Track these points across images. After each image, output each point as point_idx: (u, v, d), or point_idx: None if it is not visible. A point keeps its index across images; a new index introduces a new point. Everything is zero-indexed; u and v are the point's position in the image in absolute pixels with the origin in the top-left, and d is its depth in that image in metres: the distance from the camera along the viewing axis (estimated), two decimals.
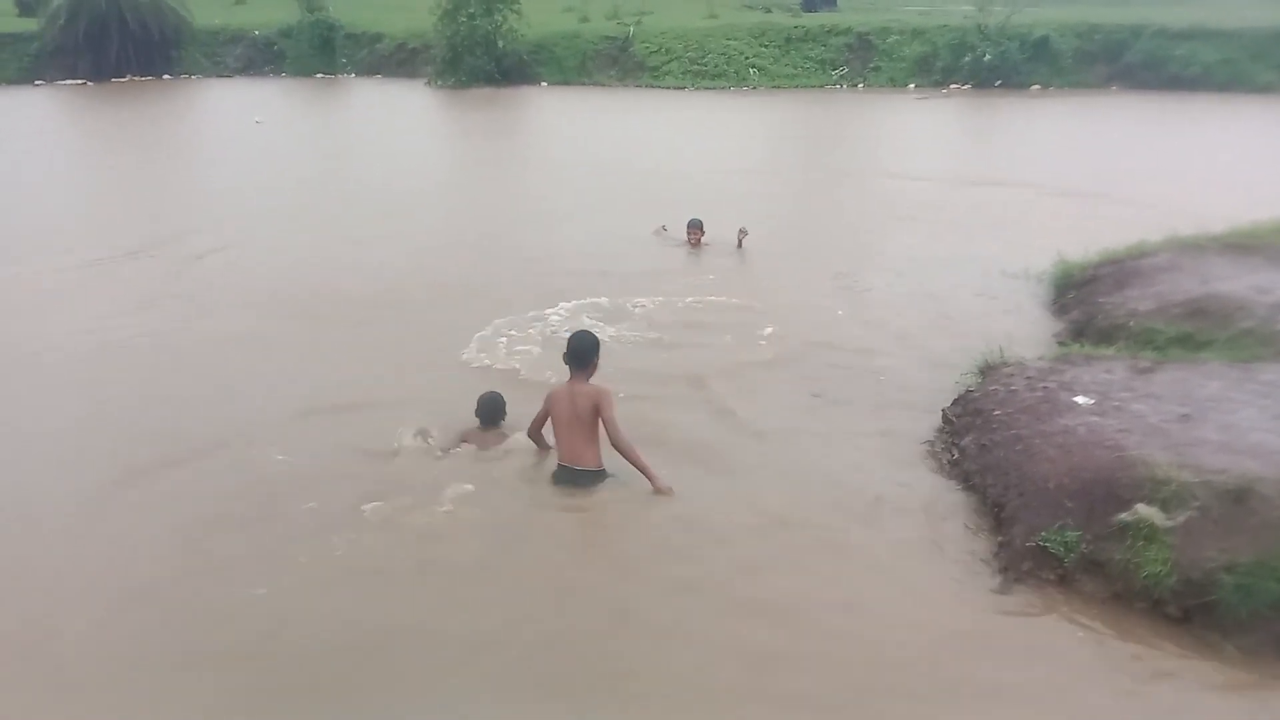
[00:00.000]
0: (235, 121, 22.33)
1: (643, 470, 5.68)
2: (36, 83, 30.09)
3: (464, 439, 6.37)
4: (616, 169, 16.37)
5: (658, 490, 5.66)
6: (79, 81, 30.05)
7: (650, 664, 4.43)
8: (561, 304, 9.03)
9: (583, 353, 5.81)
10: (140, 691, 4.34)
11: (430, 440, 6.37)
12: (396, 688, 4.26)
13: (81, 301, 9.55)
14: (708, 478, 5.97)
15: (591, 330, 5.93)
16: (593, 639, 4.64)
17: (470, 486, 5.81)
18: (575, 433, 5.73)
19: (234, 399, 7.25)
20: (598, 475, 5.79)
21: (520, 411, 6.33)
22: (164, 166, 17.35)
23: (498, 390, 6.55)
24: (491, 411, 6.41)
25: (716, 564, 5.18)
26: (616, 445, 5.68)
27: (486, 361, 7.72)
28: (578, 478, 5.78)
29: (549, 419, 5.95)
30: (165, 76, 31.13)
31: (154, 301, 9.47)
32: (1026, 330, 8.19)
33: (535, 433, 6.13)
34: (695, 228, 11.05)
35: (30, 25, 31.76)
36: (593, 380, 5.86)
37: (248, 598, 4.89)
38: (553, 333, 8.23)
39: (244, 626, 4.70)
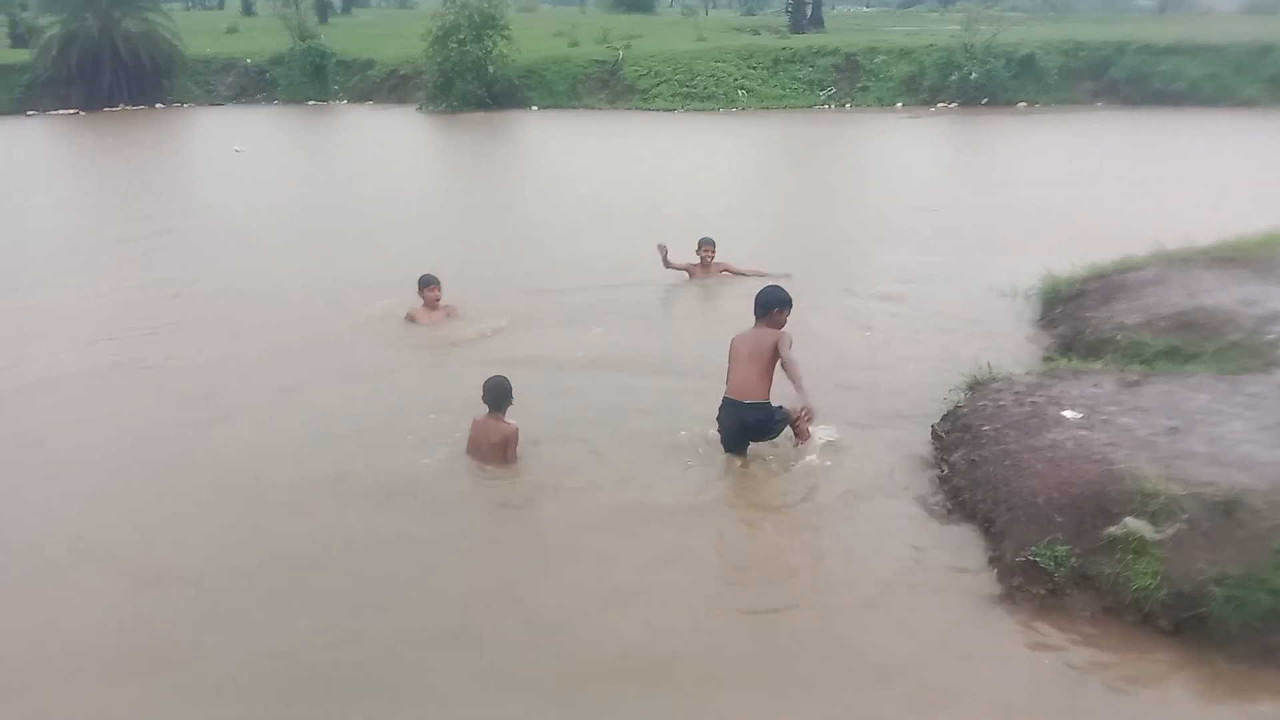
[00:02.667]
0: (224, 150, 22.36)
1: (800, 391, 6.07)
2: (29, 113, 30.19)
3: (474, 423, 6.45)
4: (608, 191, 16.46)
5: (803, 407, 6.08)
6: (71, 111, 30.17)
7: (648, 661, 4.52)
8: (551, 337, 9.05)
9: (767, 303, 6.35)
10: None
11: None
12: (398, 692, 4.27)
13: (65, 330, 9.54)
14: (698, 492, 6.00)
15: (780, 285, 6.48)
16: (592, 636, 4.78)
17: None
18: (751, 368, 6.19)
19: (222, 427, 7.25)
20: (764, 408, 6.18)
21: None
22: (151, 194, 17.33)
23: (504, 375, 6.51)
24: (498, 396, 6.40)
25: (709, 570, 5.22)
26: (789, 368, 6.11)
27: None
28: (745, 411, 6.17)
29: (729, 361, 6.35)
30: (158, 105, 31.27)
31: (133, 330, 9.42)
32: (1014, 345, 8.22)
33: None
34: (707, 245, 10.48)
35: (23, 56, 31.93)
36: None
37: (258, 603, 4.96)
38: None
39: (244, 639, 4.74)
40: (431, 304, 9.23)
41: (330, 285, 10.87)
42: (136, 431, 7.22)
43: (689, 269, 10.51)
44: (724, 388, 6.35)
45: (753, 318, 6.47)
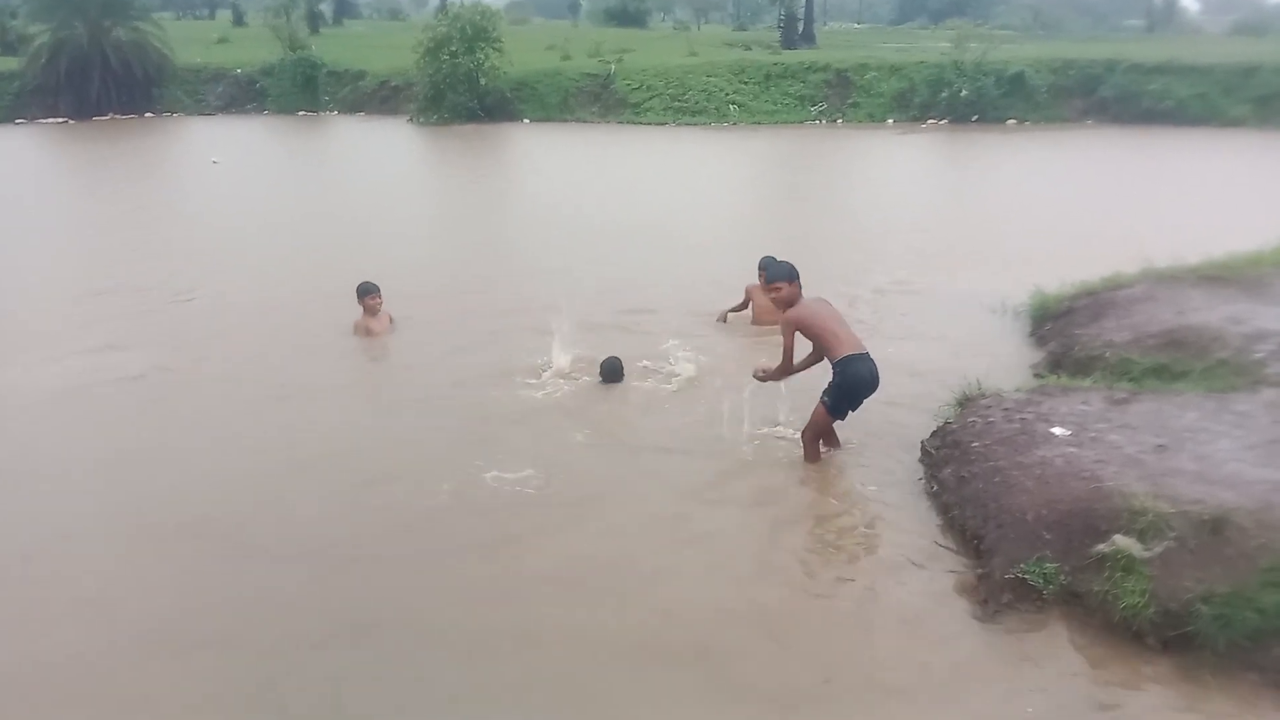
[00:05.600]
0: (210, 160, 22.25)
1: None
2: (18, 121, 30.11)
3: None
4: (599, 205, 16.44)
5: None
6: (60, 120, 30.09)
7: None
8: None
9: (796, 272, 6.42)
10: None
11: None
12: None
13: (50, 340, 9.46)
14: (686, 514, 5.97)
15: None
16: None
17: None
18: (848, 326, 6.37)
19: (223, 444, 7.20)
20: None
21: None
22: (135, 205, 17.20)
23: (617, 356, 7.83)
24: (613, 374, 7.75)
25: (701, 592, 5.18)
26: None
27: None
28: (874, 364, 6.27)
29: (813, 327, 6.25)
30: (147, 114, 31.24)
31: (121, 342, 9.35)
32: (1004, 362, 8.20)
33: (796, 366, 6.44)
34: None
35: (12, 64, 31.86)
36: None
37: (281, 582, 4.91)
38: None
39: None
40: (372, 312, 9.23)
41: (297, 297, 10.82)
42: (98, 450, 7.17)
43: (754, 305, 9.40)
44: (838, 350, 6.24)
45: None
